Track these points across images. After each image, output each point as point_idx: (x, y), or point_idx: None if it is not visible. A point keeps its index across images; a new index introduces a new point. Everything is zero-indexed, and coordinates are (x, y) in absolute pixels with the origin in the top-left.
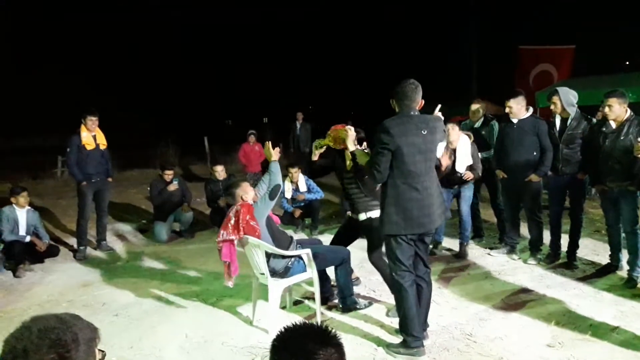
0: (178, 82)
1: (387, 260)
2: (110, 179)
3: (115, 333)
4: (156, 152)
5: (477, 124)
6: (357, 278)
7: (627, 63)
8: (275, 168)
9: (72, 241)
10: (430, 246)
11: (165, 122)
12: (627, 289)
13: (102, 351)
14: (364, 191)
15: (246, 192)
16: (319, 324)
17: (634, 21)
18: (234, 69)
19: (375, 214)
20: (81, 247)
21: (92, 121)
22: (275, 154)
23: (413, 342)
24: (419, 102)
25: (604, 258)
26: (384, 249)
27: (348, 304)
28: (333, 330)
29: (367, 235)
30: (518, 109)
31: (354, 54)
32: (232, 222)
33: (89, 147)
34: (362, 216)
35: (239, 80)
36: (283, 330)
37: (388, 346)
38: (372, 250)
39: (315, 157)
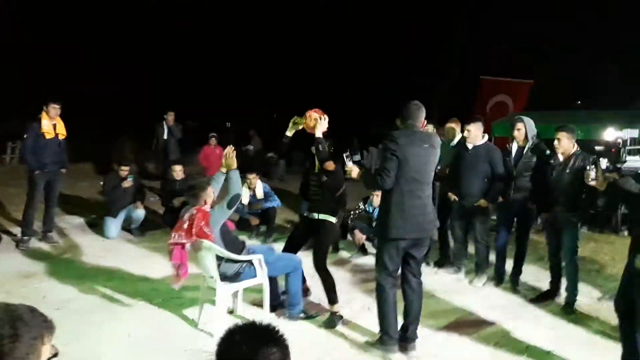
0: (140, 78)
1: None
2: (64, 170)
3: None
4: (112, 147)
5: (453, 143)
6: (308, 289)
7: (579, 102)
8: (235, 176)
9: (17, 230)
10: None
11: (123, 117)
12: (565, 314)
13: (54, 347)
14: (324, 193)
15: (210, 197)
16: (265, 324)
17: (587, 63)
18: (200, 70)
19: (327, 217)
20: (25, 237)
21: (55, 109)
22: (234, 162)
23: (388, 341)
24: (422, 122)
25: (544, 284)
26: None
27: (296, 312)
28: (278, 331)
29: (315, 237)
30: (476, 134)
31: (326, 66)
32: (186, 225)
33: (48, 136)
34: (315, 216)
35: (204, 82)
36: (228, 330)
37: (366, 342)
38: (317, 254)
39: (289, 133)
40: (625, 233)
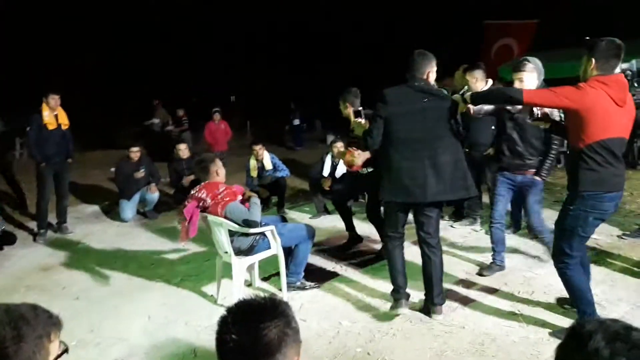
0: (139, 60)
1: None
2: (70, 160)
3: (76, 316)
4: (119, 133)
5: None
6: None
7: (587, 38)
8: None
9: (32, 225)
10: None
11: (128, 102)
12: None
13: (63, 343)
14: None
15: (220, 167)
16: (257, 299)
17: None
18: (198, 46)
19: (368, 170)
20: (41, 230)
21: (55, 99)
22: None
23: (394, 295)
24: (425, 73)
25: None
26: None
27: (293, 282)
28: (274, 301)
29: (367, 190)
30: (476, 82)
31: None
32: (207, 194)
33: (50, 127)
34: (364, 170)
35: (204, 57)
36: (224, 313)
37: (385, 295)
38: (369, 204)
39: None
40: None
